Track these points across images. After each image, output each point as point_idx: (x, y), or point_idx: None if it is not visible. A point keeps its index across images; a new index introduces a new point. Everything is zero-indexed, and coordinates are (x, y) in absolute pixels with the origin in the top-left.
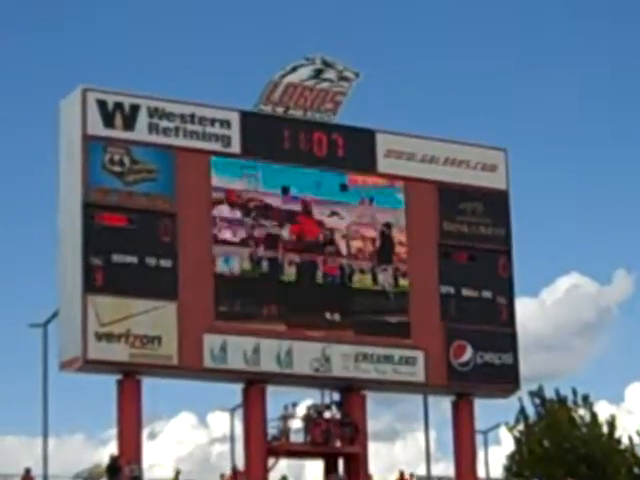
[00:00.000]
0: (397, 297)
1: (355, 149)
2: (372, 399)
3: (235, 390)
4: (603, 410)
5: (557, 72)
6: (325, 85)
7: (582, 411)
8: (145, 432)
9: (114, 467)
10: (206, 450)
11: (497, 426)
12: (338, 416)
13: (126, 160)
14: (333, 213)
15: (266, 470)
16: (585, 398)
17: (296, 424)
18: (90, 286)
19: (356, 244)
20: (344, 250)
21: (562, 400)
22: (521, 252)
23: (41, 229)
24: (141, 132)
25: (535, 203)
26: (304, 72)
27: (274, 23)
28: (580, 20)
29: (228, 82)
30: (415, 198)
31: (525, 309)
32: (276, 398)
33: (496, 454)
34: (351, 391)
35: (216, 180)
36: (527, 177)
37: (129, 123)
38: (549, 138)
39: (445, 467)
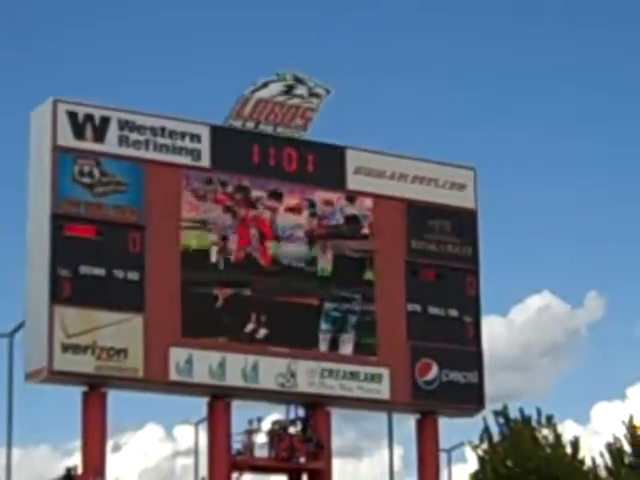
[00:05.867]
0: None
1: (325, 165)
2: (339, 415)
3: (201, 403)
4: (570, 430)
5: (526, 91)
6: (296, 101)
7: (546, 431)
8: (110, 444)
9: (68, 478)
10: (171, 463)
11: (461, 444)
12: (302, 432)
13: (96, 172)
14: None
15: None
16: (549, 418)
17: (261, 439)
18: (57, 297)
19: None
20: None
21: (526, 420)
22: (491, 270)
23: (9, 239)
24: (111, 144)
25: (506, 222)
26: (275, 88)
27: (246, 39)
28: (551, 38)
29: (199, 96)
30: (383, 215)
31: (493, 328)
32: (241, 412)
33: (462, 472)
34: (316, 407)
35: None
36: (497, 196)
37: (99, 135)
38: (518, 157)
39: None
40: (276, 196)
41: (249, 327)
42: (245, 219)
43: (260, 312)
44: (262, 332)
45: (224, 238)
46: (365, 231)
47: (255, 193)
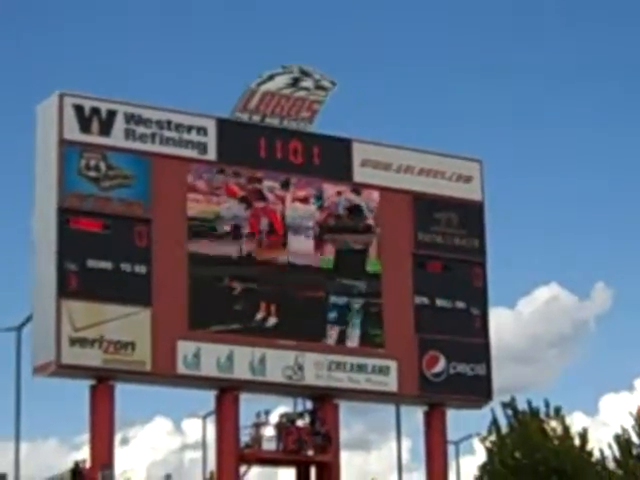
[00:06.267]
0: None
1: (331, 158)
2: (346, 408)
3: (209, 397)
4: (578, 422)
5: (532, 85)
6: (302, 94)
7: (554, 423)
8: (118, 437)
9: (76, 472)
10: (179, 456)
11: (469, 437)
12: (310, 424)
13: (102, 165)
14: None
15: (238, 477)
16: (557, 410)
17: (269, 432)
18: (64, 291)
19: None
20: None
21: (534, 412)
22: (499, 262)
23: (16, 233)
24: (117, 138)
25: (513, 214)
26: (281, 80)
27: (252, 32)
28: (552, 32)
29: (205, 89)
30: (390, 208)
31: (501, 320)
32: (249, 405)
33: (470, 464)
34: (324, 400)
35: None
36: (503, 188)
37: (106, 129)
38: (525, 149)
39: (419, 477)
40: (285, 188)
41: (259, 316)
42: (256, 210)
43: (269, 302)
44: (272, 320)
45: (234, 229)
46: (371, 223)
47: (266, 184)
